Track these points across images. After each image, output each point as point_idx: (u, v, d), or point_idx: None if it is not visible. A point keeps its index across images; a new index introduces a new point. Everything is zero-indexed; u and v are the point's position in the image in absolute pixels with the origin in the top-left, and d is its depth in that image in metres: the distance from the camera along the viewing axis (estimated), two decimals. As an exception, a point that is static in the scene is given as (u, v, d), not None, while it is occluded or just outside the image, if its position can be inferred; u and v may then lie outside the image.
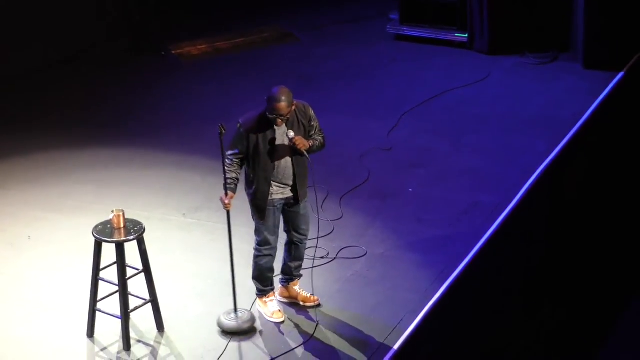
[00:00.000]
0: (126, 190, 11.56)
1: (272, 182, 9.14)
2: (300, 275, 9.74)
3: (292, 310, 9.68)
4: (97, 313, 9.50)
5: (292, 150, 9.07)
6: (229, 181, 9.06)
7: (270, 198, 9.17)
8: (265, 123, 8.98)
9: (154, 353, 9.42)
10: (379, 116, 13.29)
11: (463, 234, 10.91)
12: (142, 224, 9.43)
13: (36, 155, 12.53)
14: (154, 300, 9.54)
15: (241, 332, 9.45)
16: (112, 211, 9.31)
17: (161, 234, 10.61)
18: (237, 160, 9.07)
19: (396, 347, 9.22)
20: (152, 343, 9.52)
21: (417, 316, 9.62)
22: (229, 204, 9.11)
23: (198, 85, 14.67)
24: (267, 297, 9.61)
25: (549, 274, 11.37)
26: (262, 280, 9.56)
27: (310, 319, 9.60)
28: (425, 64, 15.19)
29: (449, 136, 12.77)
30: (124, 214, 9.32)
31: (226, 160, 9.06)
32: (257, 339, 9.37)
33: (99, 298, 9.46)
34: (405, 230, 11.00)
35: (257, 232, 9.39)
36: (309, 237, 9.57)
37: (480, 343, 10.22)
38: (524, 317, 10.63)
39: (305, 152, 9.04)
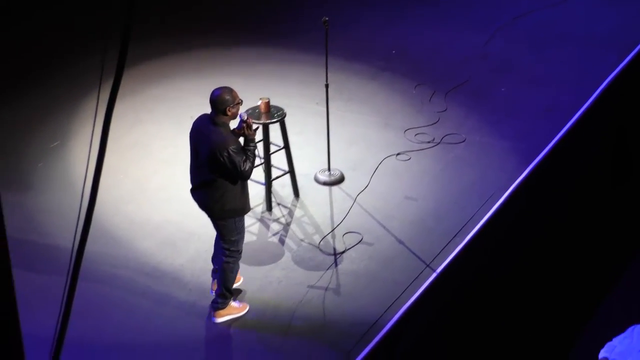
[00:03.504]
0: (271, 81, 11.54)
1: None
2: None
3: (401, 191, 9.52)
4: (246, 180, 9.56)
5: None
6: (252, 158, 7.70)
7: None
8: (227, 130, 7.69)
9: (290, 214, 9.53)
10: (476, 29, 12.94)
11: (546, 126, 10.72)
12: (283, 110, 9.47)
13: (198, 52, 12.51)
14: (291, 172, 9.61)
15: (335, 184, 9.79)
16: (260, 98, 9.35)
17: (299, 118, 10.58)
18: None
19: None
20: (289, 206, 9.63)
21: (505, 192, 9.59)
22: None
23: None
24: (231, 301, 8.23)
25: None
26: (233, 284, 8.22)
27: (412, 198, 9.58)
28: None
29: (536, 48, 12.45)
30: (269, 101, 9.35)
31: (246, 164, 7.58)
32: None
33: (247, 168, 9.51)
34: (498, 122, 10.89)
35: (236, 235, 7.96)
36: None
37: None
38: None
39: (254, 137, 7.82)
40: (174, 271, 8.69)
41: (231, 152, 7.49)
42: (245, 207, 7.98)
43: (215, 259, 8.29)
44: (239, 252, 8.06)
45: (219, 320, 8.16)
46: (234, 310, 8.21)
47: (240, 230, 8.02)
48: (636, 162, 11.42)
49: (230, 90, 7.68)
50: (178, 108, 11.16)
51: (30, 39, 12.33)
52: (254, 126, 7.94)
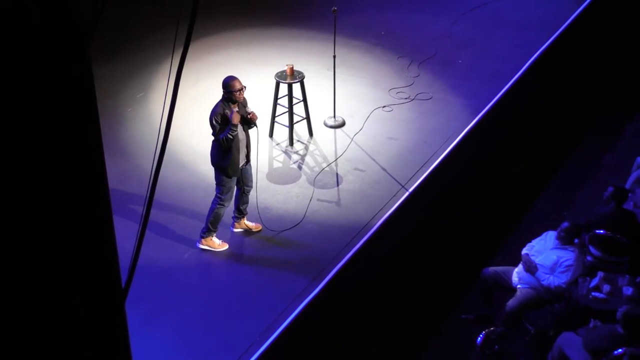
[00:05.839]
0: (295, 53, 11.46)
1: (239, 150, 7.49)
2: (247, 213, 8.05)
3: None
4: (275, 123, 9.51)
5: (245, 123, 7.50)
6: (229, 136, 7.33)
7: (239, 162, 7.54)
8: (223, 107, 7.35)
9: (306, 148, 9.52)
10: (444, 16, 12.74)
11: (491, 88, 10.60)
12: (303, 73, 9.44)
13: (245, 30, 12.38)
14: (308, 118, 9.57)
15: (338, 127, 9.68)
16: (286, 65, 9.30)
17: (313, 80, 10.48)
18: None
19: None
20: (305, 142, 9.62)
21: (457, 138, 9.54)
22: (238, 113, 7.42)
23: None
24: (213, 236, 7.87)
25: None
26: (216, 224, 7.80)
27: (393, 138, 9.41)
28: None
29: (486, 30, 12.27)
30: (293, 67, 9.31)
31: (219, 134, 7.37)
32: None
33: (277, 114, 9.46)
34: (456, 85, 10.78)
35: (223, 186, 7.58)
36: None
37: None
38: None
39: (255, 123, 7.54)
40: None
41: (213, 119, 7.34)
42: (226, 169, 7.48)
43: (234, 202, 7.93)
44: (224, 199, 7.63)
45: (200, 246, 7.86)
46: (213, 244, 7.84)
47: (224, 183, 7.58)
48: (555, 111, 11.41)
49: (232, 79, 7.37)
50: (229, 70, 10.98)
51: (125, 14, 12.23)
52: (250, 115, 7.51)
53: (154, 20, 12.20)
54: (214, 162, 7.63)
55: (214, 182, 7.71)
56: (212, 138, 7.55)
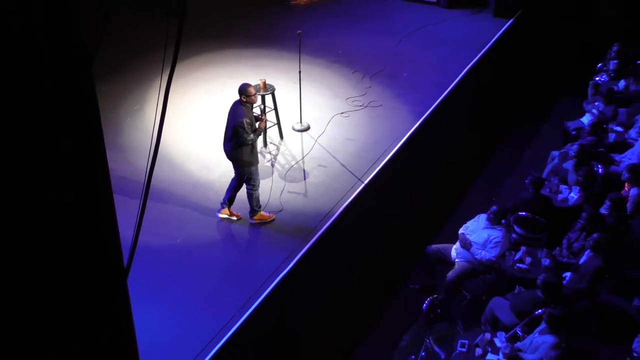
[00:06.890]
0: (267, 69, 11.42)
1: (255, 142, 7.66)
2: (233, 201, 8.05)
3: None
4: (251, 128, 9.49)
5: (256, 121, 7.67)
6: (256, 134, 7.58)
7: (257, 151, 7.74)
8: (247, 110, 7.49)
9: (277, 149, 9.47)
10: (390, 37, 12.80)
11: (431, 95, 10.63)
12: (274, 86, 9.40)
13: (225, 51, 12.30)
14: (278, 123, 9.54)
15: (304, 131, 9.61)
16: (260, 79, 9.28)
17: (283, 91, 10.44)
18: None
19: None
20: (277, 144, 9.56)
21: (403, 138, 9.58)
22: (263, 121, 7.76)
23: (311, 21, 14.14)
24: (261, 211, 7.97)
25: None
26: (259, 203, 7.90)
27: (350, 139, 9.43)
28: (412, 10, 14.21)
29: (426, 48, 12.33)
30: (265, 81, 9.28)
31: (250, 136, 7.47)
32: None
33: (252, 121, 9.44)
34: (402, 94, 10.78)
35: (254, 175, 7.71)
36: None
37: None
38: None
39: (261, 128, 7.70)
40: (208, 183, 8.72)
41: (240, 124, 7.40)
42: (252, 162, 7.64)
43: (227, 192, 7.99)
44: (256, 185, 7.77)
45: (253, 222, 7.93)
46: (264, 217, 7.95)
47: (253, 174, 7.71)
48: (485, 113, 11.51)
49: (248, 86, 7.51)
50: (211, 85, 11.06)
51: (123, 39, 12.15)
52: (261, 122, 7.74)
53: (146, 44, 12.12)
54: (239, 159, 7.56)
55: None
56: (229, 139, 7.52)
